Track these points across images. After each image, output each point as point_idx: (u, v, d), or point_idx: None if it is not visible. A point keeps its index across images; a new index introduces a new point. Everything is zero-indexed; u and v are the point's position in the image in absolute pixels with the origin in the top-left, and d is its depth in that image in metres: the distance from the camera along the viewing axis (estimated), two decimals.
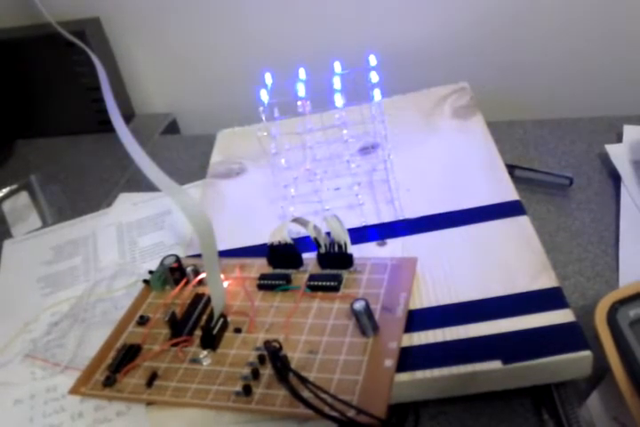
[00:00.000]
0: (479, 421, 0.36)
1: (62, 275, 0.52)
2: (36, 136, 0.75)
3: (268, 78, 0.50)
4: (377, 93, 0.47)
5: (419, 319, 0.38)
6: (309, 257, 0.43)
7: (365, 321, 0.36)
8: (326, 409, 0.33)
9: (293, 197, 0.50)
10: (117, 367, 0.39)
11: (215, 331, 0.39)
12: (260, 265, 0.44)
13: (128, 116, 0.75)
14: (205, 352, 0.39)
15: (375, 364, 0.35)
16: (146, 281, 0.45)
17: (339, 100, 0.46)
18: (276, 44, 0.69)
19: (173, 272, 0.44)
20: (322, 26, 0.68)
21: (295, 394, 0.33)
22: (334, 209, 0.48)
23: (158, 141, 0.70)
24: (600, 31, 0.63)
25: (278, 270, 0.43)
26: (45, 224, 0.60)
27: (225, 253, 0.45)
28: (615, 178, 0.51)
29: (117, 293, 0.48)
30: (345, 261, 0.42)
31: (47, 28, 0.68)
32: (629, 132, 0.55)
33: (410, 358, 0.36)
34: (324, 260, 0.43)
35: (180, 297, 0.43)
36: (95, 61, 0.55)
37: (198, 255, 0.45)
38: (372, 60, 0.50)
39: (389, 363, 0.35)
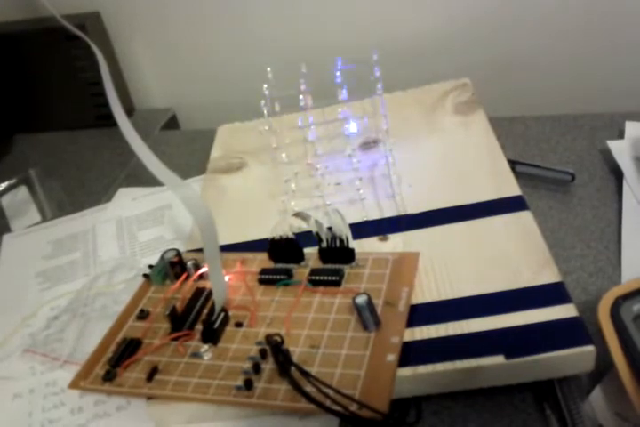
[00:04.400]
0: (481, 416, 0.36)
1: (61, 269, 0.52)
2: (35, 131, 0.74)
3: (269, 73, 0.50)
4: (378, 88, 0.46)
5: (421, 314, 0.38)
6: (311, 252, 0.43)
7: (367, 316, 0.36)
8: (328, 403, 0.33)
9: (294, 191, 0.50)
10: (117, 362, 0.39)
11: (216, 325, 0.39)
12: (261, 260, 0.44)
13: (128, 112, 0.74)
14: (206, 347, 0.38)
15: (377, 358, 0.35)
16: (146, 275, 0.45)
17: (340, 95, 0.46)
18: (278, 39, 0.69)
19: (174, 266, 0.44)
20: (323, 20, 0.67)
21: (297, 388, 0.33)
22: (335, 204, 0.48)
23: (158, 137, 0.70)
24: (602, 27, 0.63)
25: (279, 265, 0.43)
26: (44, 219, 0.60)
27: (226, 248, 0.45)
28: (617, 174, 0.51)
29: (117, 287, 0.48)
30: (346, 255, 0.42)
31: (46, 22, 0.68)
32: (631, 128, 0.55)
33: (412, 353, 0.35)
34: (325, 254, 0.42)
35: (180, 291, 0.43)
36: (97, 54, 0.55)
37: (199, 250, 0.45)
38: (374, 56, 0.49)
39: (391, 358, 0.35)
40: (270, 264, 0.44)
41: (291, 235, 0.42)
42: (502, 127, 0.53)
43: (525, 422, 0.36)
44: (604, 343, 0.35)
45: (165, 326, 0.41)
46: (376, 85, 0.47)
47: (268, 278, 0.42)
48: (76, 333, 0.45)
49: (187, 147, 0.67)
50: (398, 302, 0.38)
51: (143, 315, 0.42)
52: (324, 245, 0.42)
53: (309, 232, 0.42)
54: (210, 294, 0.42)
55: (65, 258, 0.53)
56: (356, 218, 0.46)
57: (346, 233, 0.41)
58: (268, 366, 0.36)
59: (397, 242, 0.44)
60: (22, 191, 0.64)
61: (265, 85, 0.48)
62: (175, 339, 0.39)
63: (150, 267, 0.45)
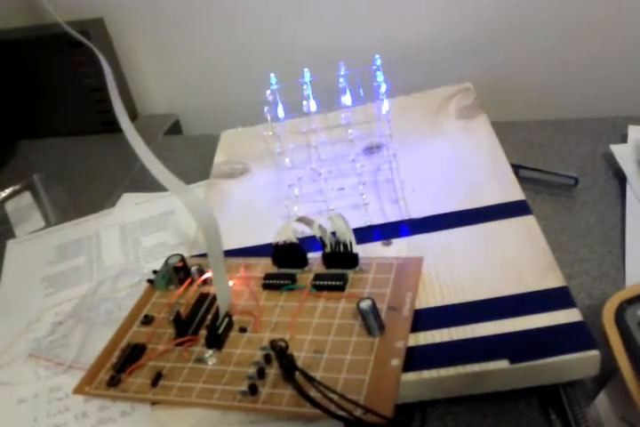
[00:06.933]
0: (486, 421, 0.36)
1: (66, 275, 0.52)
2: (39, 136, 0.75)
3: (272, 78, 0.50)
4: (382, 93, 0.47)
5: (425, 319, 0.38)
6: (314, 257, 0.43)
7: (372, 320, 0.36)
8: (333, 408, 0.33)
9: (297, 196, 0.50)
10: (122, 367, 0.39)
11: (220, 330, 0.39)
12: (264, 265, 0.44)
13: (131, 117, 0.74)
14: (211, 352, 0.38)
15: (382, 363, 0.35)
16: (150, 281, 0.45)
17: (344, 99, 0.46)
18: (280, 45, 0.69)
19: (178, 272, 0.44)
20: (326, 25, 0.68)
21: (302, 393, 0.33)
22: (339, 209, 0.47)
23: (161, 142, 0.70)
24: (605, 31, 0.63)
25: (283, 270, 0.43)
26: (48, 224, 0.60)
27: (230, 253, 0.45)
28: (620, 178, 0.51)
29: (121, 292, 0.48)
30: (350, 260, 0.42)
31: (50, 28, 0.68)
32: (634, 132, 0.55)
33: (416, 358, 0.35)
34: (329, 259, 0.42)
35: (184, 297, 0.43)
36: (101, 60, 0.55)
37: (202, 255, 0.45)
38: (377, 61, 0.50)
39: (396, 362, 0.35)
40: (274, 269, 0.44)
41: (294, 240, 0.42)
42: (505, 132, 0.53)
43: (530, 426, 0.36)
44: (609, 348, 0.35)
45: (170, 331, 0.41)
46: (379, 90, 0.47)
47: (271, 283, 0.42)
48: (80, 338, 0.45)
49: (190, 152, 0.67)
50: (402, 306, 0.38)
51: (147, 320, 0.42)
52: (328, 249, 0.42)
53: (313, 237, 0.42)
54: (214, 299, 0.42)
55: (69, 263, 0.54)
56: (360, 223, 0.46)
57: (349, 238, 0.41)
58: (273, 371, 0.36)
59: (401, 247, 0.44)
60: (26, 197, 0.64)
61: (268, 91, 0.48)
62: (179, 344, 0.39)
63: (154, 272, 0.45)
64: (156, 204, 0.58)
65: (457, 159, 0.50)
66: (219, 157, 0.59)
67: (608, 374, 0.36)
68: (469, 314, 0.37)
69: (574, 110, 0.62)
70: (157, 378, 0.38)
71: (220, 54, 0.72)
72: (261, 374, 0.36)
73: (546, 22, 0.63)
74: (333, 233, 0.42)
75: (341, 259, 0.42)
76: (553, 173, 0.52)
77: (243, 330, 0.40)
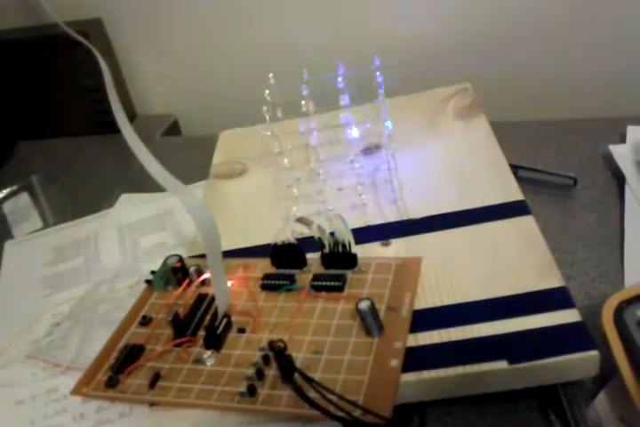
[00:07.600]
0: (485, 421, 0.36)
1: (64, 276, 0.52)
2: (38, 137, 0.74)
3: (271, 79, 0.50)
4: (380, 93, 0.47)
5: (424, 319, 0.38)
6: (313, 257, 0.43)
7: (370, 321, 0.36)
8: (332, 409, 0.32)
9: (296, 197, 0.50)
10: (120, 368, 0.39)
11: (219, 331, 0.39)
12: (263, 265, 0.44)
13: (129, 118, 0.74)
14: (209, 353, 0.38)
15: (381, 364, 0.35)
16: (148, 281, 0.45)
17: (342, 100, 0.46)
18: (279, 45, 0.69)
19: (176, 272, 0.44)
20: (325, 26, 0.67)
21: (301, 394, 0.33)
22: (338, 209, 0.48)
23: (160, 143, 0.70)
24: (604, 31, 0.63)
25: (282, 270, 0.43)
26: (46, 225, 0.60)
27: (228, 254, 0.44)
28: (619, 178, 0.51)
29: (119, 293, 0.48)
30: (349, 261, 0.42)
31: (48, 29, 0.68)
32: (633, 132, 0.55)
33: (415, 359, 0.35)
34: (327, 260, 0.42)
35: (182, 297, 0.43)
36: (100, 60, 0.55)
37: (201, 256, 0.45)
38: (376, 61, 0.50)
39: (395, 363, 0.35)
40: (273, 270, 0.44)
41: (293, 240, 0.42)
42: (504, 132, 0.53)
43: None
44: (608, 348, 0.35)
45: (168, 332, 0.41)
46: (377, 90, 0.47)
47: (270, 284, 0.42)
48: (78, 339, 0.45)
49: (189, 152, 0.67)
50: (401, 307, 0.38)
51: (145, 321, 0.42)
52: (327, 250, 0.42)
53: (312, 238, 0.42)
54: (212, 299, 0.42)
55: (67, 264, 0.53)
56: (359, 223, 0.46)
57: (348, 238, 0.41)
58: (272, 372, 0.36)
59: (400, 247, 0.44)
60: (24, 198, 0.64)
61: (267, 91, 0.48)
62: (178, 345, 0.39)
63: (152, 273, 0.45)
64: (154, 204, 0.58)
65: (455, 159, 0.50)
66: (217, 158, 0.59)
67: (607, 375, 0.36)
68: (468, 314, 0.37)
69: (573, 111, 0.62)
70: (156, 379, 0.38)
71: (219, 55, 0.72)
72: (260, 374, 0.36)
73: (544, 23, 0.63)
74: (332, 233, 0.42)
75: (340, 259, 0.42)
76: (552, 174, 0.52)
77: (241, 331, 0.39)
